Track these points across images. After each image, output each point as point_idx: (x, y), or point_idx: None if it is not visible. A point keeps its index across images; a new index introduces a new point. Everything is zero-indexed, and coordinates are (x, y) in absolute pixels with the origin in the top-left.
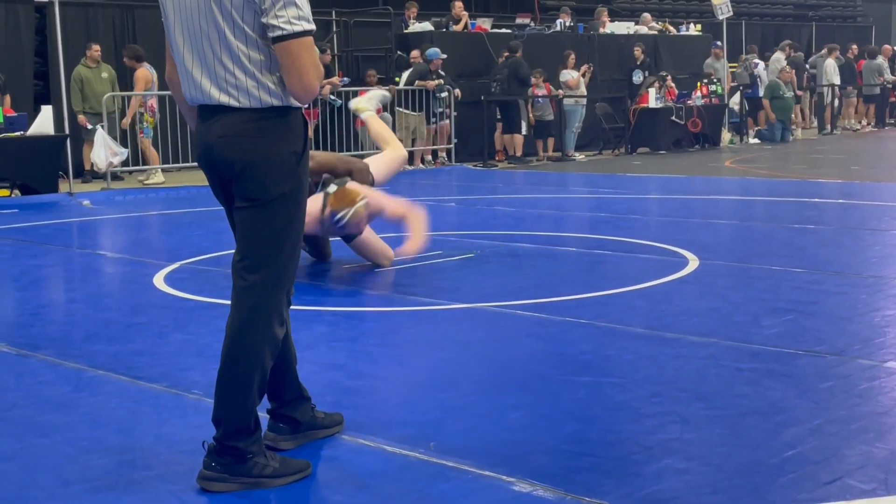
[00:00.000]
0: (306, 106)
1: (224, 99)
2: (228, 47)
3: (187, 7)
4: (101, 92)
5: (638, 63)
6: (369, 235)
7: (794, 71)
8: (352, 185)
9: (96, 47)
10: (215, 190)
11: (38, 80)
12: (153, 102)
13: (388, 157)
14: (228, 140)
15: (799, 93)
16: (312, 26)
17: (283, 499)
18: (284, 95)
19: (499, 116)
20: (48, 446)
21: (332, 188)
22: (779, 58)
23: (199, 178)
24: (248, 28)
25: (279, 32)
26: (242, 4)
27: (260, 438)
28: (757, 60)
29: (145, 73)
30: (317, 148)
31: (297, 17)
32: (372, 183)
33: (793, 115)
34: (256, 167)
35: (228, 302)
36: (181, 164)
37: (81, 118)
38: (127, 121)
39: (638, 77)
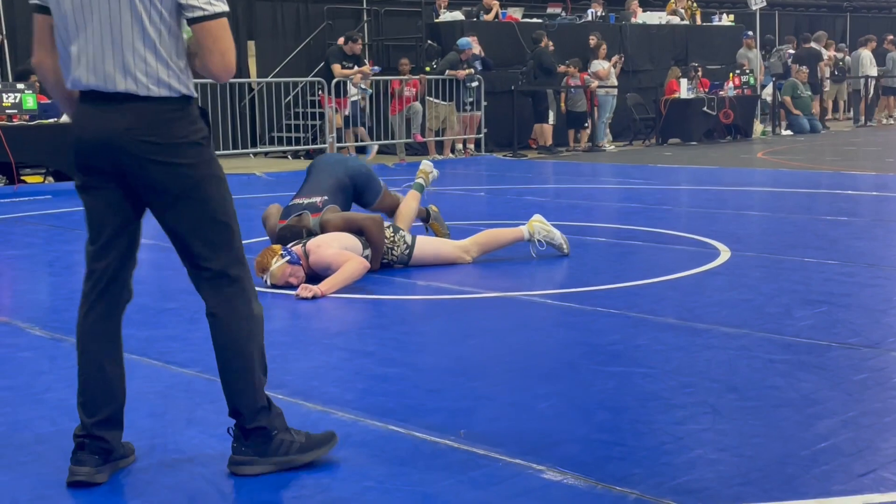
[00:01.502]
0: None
1: (131, 86)
2: (143, 31)
3: None
4: None
5: (594, 56)
6: (425, 249)
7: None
8: (273, 247)
9: None
10: (100, 181)
11: None
12: None
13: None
14: (141, 131)
15: (825, 87)
16: (227, 7)
17: (315, 485)
18: (190, 84)
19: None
20: None
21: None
22: (864, 54)
23: (241, 165)
24: (165, 11)
25: (200, 13)
26: None
27: (280, 413)
28: (792, 51)
29: None
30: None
31: None
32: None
33: (814, 108)
34: (174, 159)
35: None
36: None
37: None
38: None
39: (596, 67)
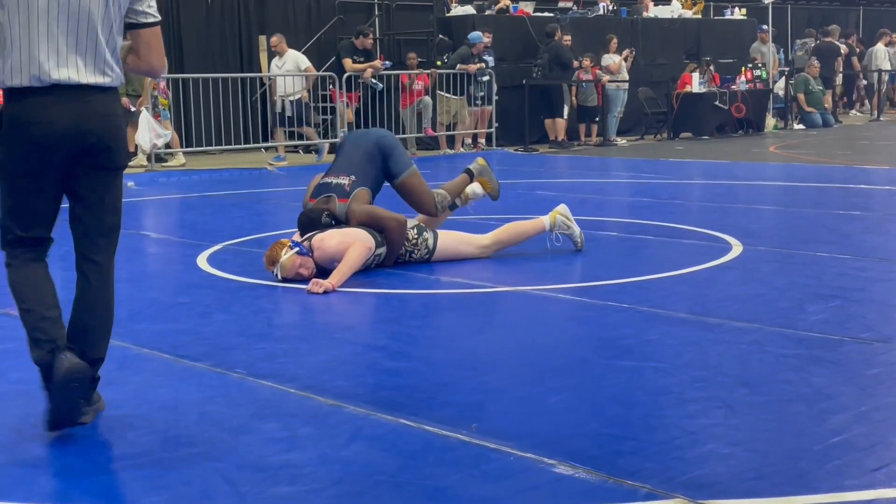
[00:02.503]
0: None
1: (99, 79)
2: (110, 30)
3: None
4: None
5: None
6: (445, 251)
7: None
8: (280, 241)
9: None
10: (48, 166)
11: None
12: (164, 84)
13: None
14: (109, 120)
15: (838, 83)
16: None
17: (327, 478)
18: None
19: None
20: (95, 423)
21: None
22: (879, 48)
23: (222, 161)
24: (121, 15)
25: (152, 19)
26: None
27: None
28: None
29: None
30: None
31: (156, 8)
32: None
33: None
34: (121, 141)
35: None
36: (205, 147)
37: (125, 100)
38: (143, 101)
39: (607, 61)
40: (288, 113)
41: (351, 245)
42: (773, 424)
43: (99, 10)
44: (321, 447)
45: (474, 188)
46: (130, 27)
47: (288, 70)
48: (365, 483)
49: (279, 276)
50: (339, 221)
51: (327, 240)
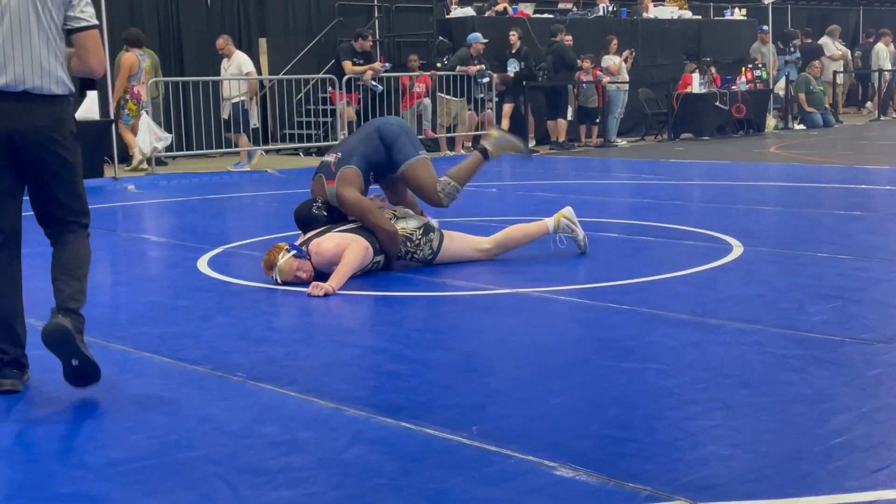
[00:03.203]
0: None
1: (37, 83)
2: (46, 37)
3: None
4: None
5: (513, 51)
6: (449, 253)
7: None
8: (278, 245)
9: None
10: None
11: None
12: (139, 89)
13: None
14: (49, 128)
15: (838, 81)
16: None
17: (327, 482)
18: (71, 83)
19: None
20: (94, 427)
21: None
22: (879, 48)
23: (222, 164)
24: (56, 23)
25: (84, 23)
26: (58, 2)
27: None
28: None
29: (131, 58)
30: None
31: (92, 14)
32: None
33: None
34: (68, 149)
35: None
36: (194, 152)
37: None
38: (112, 104)
39: (513, 66)
40: (224, 116)
41: (347, 246)
42: (774, 426)
43: (31, 14)
44: (322, 450)
45: (498, 142)
46: (69, 33)
47: (232, 73)
48: (366, 486)
49: (278, 280)
50: (332, 209)
51: (324, 243)
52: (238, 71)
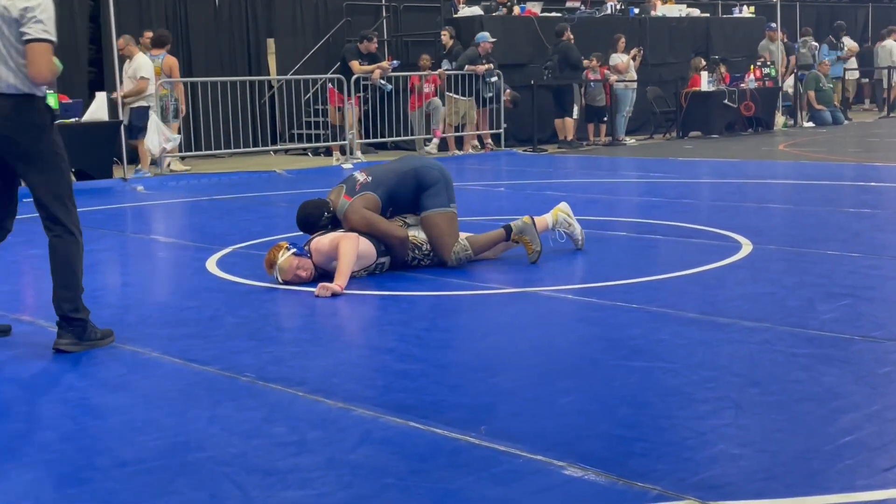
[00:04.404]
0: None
1: (11, 81)
2: (11, 49)
3: None
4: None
5: (445, 51)
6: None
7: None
8: (279, 244)
9: (149, 34)
10: None
11: (92, 67)
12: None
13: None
14: (20, 122)
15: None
16: (53, 38)
17: (336, 482)
18: (34, 87)
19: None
20: (104, 427)
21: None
22: (889, 44)
23: (230, 165)
24: (15, 35)
25: (29, 37)
26: (13, 19)
27: (88, 311)
28: (815, 43)
29: (170, 61)
30: (368, 132)
31: (41, 28)
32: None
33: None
34: (26, 137)
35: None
36: (213, 151)
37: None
38: (182, 109)
39: (445, 66)
40: (125, 121)
41: (341, 242)
42: (783, 424)
43: (4, 29)
44: (330, 451)
45: (524, 230)
46: (24, 44)
47: (130, 76)
48: (374, 486)
49: (279, 280)
50: (336, 223)
51: (322, 240)
52: (134, 75)
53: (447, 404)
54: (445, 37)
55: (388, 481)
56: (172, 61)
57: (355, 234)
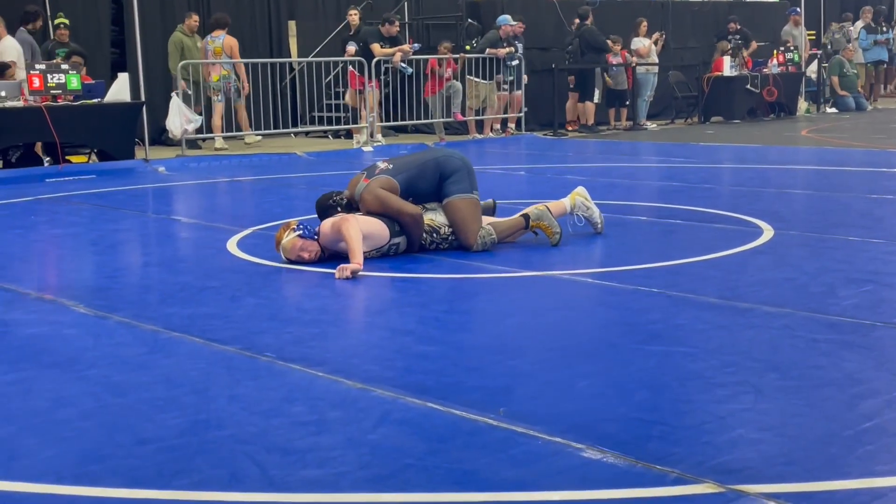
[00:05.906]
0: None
1: None
2: None
3: None
4: (198, 60)
5: (351, 32)
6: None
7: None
8: (288, 222)
9: (195, 17)
10: None
11: (115, 48)
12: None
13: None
14: None
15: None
16: None
17: (355, 462)
18: None
19: (571, 86)
20: (125, 405)
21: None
22: None
23: (252, 147)
24: None
25: None
26: None
27: None
28: (852, 27)
29: (232, 41)
30: (388, 116)
31: None
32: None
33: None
34: None
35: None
36: (275, 130)
37: (182, 83)
38: (246, 87)
39: (352, 46)
40: None
41: (342, 224)
42: (803, 409)
43: None
44: (349, 430)
45: (541, 216)
46: None
47: None
48: (393, 466)
49: (284, 258)
50: (350, 205)
51: (326, 223)
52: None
53: (466, 386)
54: (353, 17)
55: (407, 461)
56: (232, 41)
57: (352, 215)
